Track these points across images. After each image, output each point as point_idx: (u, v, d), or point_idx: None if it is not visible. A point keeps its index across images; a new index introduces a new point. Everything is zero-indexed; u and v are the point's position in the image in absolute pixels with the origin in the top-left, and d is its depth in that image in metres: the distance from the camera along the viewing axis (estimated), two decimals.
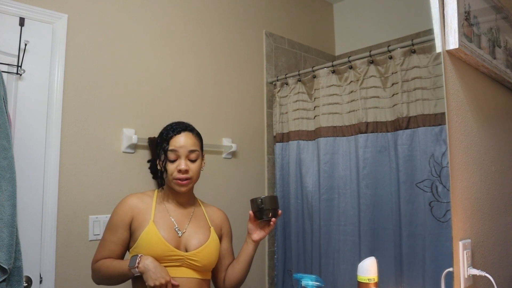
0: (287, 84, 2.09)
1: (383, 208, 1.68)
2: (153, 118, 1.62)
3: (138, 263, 1.10)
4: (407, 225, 1.58)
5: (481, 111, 1.39)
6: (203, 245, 1.21)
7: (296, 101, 2.04)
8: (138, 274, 1.10)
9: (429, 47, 1.54)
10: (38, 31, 1.36)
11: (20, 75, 1.30)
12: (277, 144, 2.10)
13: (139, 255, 1.12)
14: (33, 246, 1.28)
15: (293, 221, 1.99)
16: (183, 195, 1.27)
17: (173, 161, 1.20)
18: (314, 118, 1.96)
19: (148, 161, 1.45)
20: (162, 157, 1.22)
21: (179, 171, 1.19)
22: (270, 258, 2.04)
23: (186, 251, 1.19)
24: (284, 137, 2.08)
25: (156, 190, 1.29)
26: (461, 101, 1.26)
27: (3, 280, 1.02)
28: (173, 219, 1.22)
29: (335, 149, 1.86)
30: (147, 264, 1.10)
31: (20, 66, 1.30)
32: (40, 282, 1.29)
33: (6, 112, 1.12)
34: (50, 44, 1.38)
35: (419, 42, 1.60)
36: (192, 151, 1.22)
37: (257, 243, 1.26)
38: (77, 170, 1.43)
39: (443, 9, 1.21)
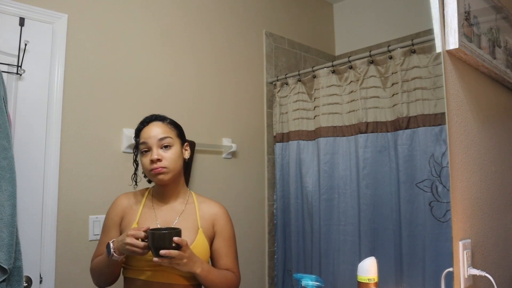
0: (287, 84, 2.09)
1: (383, 208, 1.68)
2: None
3: (114, 249, 1.06)
4: (407, 225, 1.58)
5: (481, 111, 1.39)
6: None
7: (296, 101, 2.04)
8: (119, 257, 1.07)
9: (429, 47, 1.54)
10: (38, 31, 1.36)
11: (20, 75, 1.30)
12: (277, 144, 2.10)
13: (112, 241, 1.08)
14: (33, 246, 1.28)
15: (293, 221, 1.99)
16: (168, 191, 1.21)
17: (145, 153, 1.17)
18: (314, 118, 1.96)
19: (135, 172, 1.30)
20: (135, 151, 1.22)
21: (151, 161, 1.15)
22: (270, 258, 2.04)
23: None
24: (284, 137, 2.08)
25: (149, 188, 1.26)
26: (461, 101, 1.26)
27: (3, 280, 1.02)
28: (157, 220, 1.17)
29: (335, 149, 1.86)
30: (118, 245, 1.05)
31: (20, 66, 1.30)
32: (40, 282, 1.29)
33: (6, 112, 1.12)
34: (50, 44, 1.39)
35: (419, 42, 1.60)
36: (162, 139, 1.17)
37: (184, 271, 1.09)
38: (77, 170, 1.43)
39: (443, 9, 1.21)
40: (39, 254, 1.30)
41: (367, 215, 1.72)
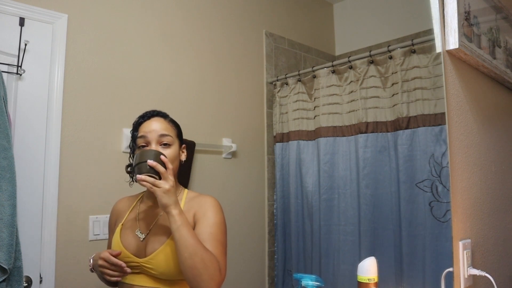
0: (287, 84, 2.09)
1: (383, 208, 1.68)
2: None
3: (91, 266, 1.09)
4: (407, 225, 1.58)
5: (481, 111, 1.39)
6: (156, 251, 1.05)
7: (296, 101, 2.04)
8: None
9: (429, 47, 1.54)
10: (38, 31, 1.36)
11: (20, 75, 1.30)
12: (277, 144, 2.10)
13: (91, 258, 1.10)
14: (33, 246, 1.29)
15: (293, 221, 1.99)
16: None
17: (143, 147, 1.10)
18: (314, 118, 1.96)
19: (128, 166, 1.20)
20: (131, 145, 1.15)
21: None
22: (270, 258, 2.04)
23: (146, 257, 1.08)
24: (284, 137, 2.08)
25: (143, 192, 1.21)
26: (461, 101, 1.26)
27: (3, 280, 1.02)
28: (138, 222, 1.13)
29: (335, 149, 1.86)
30: (94, 263, 1.08)
31: (20, 66, 1.30)
32: (40, 282, 1.29)
33: (6, 112, 1.12)
34: (50, 44, 1.39)
35: (419, 42, 1.60)
36: (163, 135, 1.10)
37: (162, 208, 1.00)
38: (77, 170, 1.43)
39: (443, 9, 1.21)
40: (39, 254, 1.30)
41: (367, 215, 1.72)
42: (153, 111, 1.17)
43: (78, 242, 1.41)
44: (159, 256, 1.04)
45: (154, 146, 1.09)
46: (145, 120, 1.14)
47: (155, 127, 1.11)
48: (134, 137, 1.13)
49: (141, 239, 1.09)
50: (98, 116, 1.50)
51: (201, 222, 1.06)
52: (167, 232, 1.07)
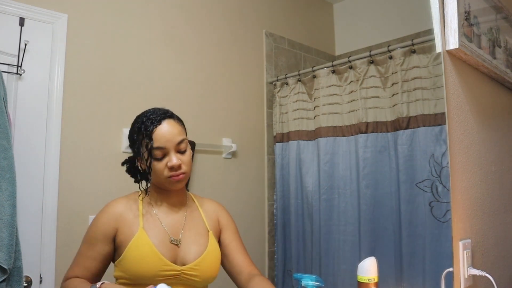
0: (287, 84, 2.09)
1: (383, 208, 1.68)
2: None
3: None
4: (407, 225, 1.58)
5: (481, 111, 1.39)
6: (201, 256, 1.03)
7: (296, 101, 2.04)
8: None
9: (429, 47, 1.53)
10: (38, 31, 1.36)
11: (20, 75, 1.30)
12: (277, 144, 2.10)
13: (101, 282, 0.91)
14: (33, 246, 1.29)
15: (293, 221, 1.99)
16: (175, 195, 1.11)
17: (160, 159, 1.02)
18: (314, 118, 1.96)
19: (123, 163, 1.16)
20: (146, 155, 1.02)
21: (171, 168, 1.01)
22: (270, 258, 2.04)
23: (183, 264, 1.02)
24: (284, 137, 2.08)
25: (140, 193, 1.11)
26: (461, 101, 1.26)
27: (3, 280, 1.02)
28: (165, 227, 1.05)
29: (335, 149, 1.86)
30: None
31: (20, 66, 1.30)
32: (40, 282, 1.29)
33: (6, 112, 1.12)
34: (50, 44, 1.39)
35: (419, 42, 1.60)
36: (180, 142, 1.04)
37: None
38: (77, 170, 1.43)
39: (443, 9, 1.21)
40: (39, 254, 1.30)
41: (367, 215, 1.72)
42: (159, 112, 1.07)
43: (78, 242, 1.40)
44: (205, 262, 1.03)
45: (173, 156, 1.02)
46: (156, 126, 1.02)
47: (170, 135, 1.02)
48: (148, 147, 1.01)
49: (178, 245, 1.04)
50: (98, 116, 1.50)
51: (228, 231, 1.15)
52: (201, 234, 1.08)
